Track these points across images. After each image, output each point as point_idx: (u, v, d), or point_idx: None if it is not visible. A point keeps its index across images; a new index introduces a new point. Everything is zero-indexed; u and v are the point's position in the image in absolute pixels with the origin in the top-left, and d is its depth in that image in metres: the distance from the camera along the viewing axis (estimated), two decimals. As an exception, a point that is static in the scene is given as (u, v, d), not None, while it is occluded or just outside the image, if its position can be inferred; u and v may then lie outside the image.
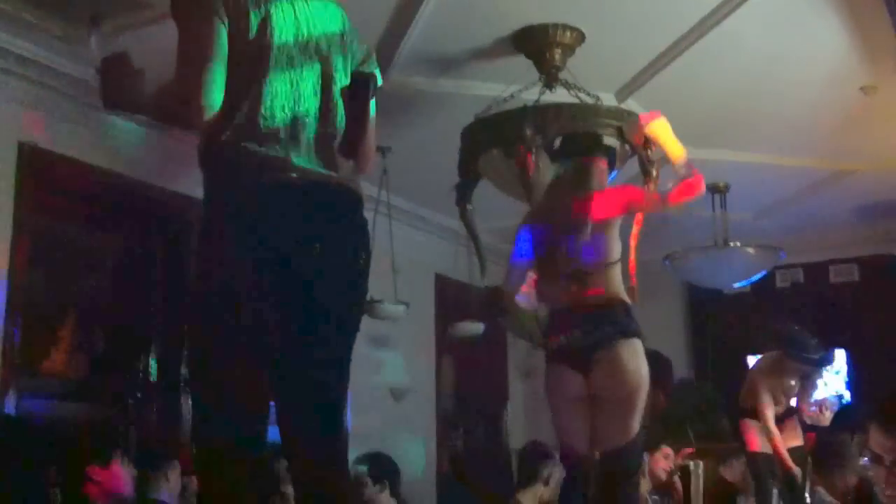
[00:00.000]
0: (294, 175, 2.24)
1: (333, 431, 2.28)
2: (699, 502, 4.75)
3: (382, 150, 5.60)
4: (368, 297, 5.41)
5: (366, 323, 5.79)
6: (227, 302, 2.20)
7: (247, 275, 2.19)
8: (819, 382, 6.06)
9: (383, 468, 4.73)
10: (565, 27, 4.48)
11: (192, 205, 2.47)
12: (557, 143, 3.92)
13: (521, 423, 8.03)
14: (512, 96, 4.62)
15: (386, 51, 4.53)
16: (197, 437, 2.34)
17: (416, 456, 6.86)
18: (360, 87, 2.36)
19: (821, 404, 6.04)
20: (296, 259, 2.21)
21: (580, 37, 4.55)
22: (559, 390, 3.45)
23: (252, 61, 2.26)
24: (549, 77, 4.58)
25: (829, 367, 6.10)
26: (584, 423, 3.49)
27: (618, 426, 3.45)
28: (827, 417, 6.08)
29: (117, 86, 2.22)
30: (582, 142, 3.80)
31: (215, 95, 2.17)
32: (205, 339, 2.28)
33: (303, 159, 2.27)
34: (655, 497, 4.86)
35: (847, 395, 7.57)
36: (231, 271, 2.20)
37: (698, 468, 4.81)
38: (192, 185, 2.40)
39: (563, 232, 3.50)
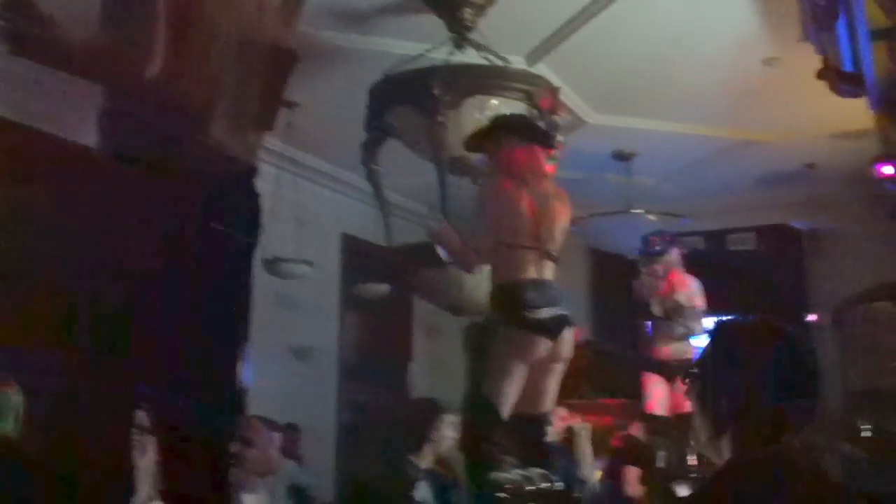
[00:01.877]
0: (202, 148, 2.13)
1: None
2: (588, 464, 4.78)
3: (288, 105, 5.49)
4: (272, 256, 5.44)
5: (270, 281, 5.83)
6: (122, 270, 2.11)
7: (144, 244, 2.09)
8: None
9: None
10: (477, -15, 4.44)
11: (101, 161, 2.31)
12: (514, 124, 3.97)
13: (425, 382, 8.06)
14: (422, 55, 4.56)
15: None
16: None
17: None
18: (280, 61, 2.29)
19: None
20: (193, 234, 2.12)
21: (491, -4, 4.51)
22: (533, 355, 3.67)
23: (184, 25, 2.10)
24: (460, 36, 4.54)
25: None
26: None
27: (554, 394, 3.83)
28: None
29: (24, 29, 2.00)
30: (537, 132, 3.97)
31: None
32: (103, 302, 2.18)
33: (218, 130, 2.16)
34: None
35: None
36: (131, 241, 2.10)
37: (583, 430, 4.85)
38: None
39: (547, 213, 3.76)
